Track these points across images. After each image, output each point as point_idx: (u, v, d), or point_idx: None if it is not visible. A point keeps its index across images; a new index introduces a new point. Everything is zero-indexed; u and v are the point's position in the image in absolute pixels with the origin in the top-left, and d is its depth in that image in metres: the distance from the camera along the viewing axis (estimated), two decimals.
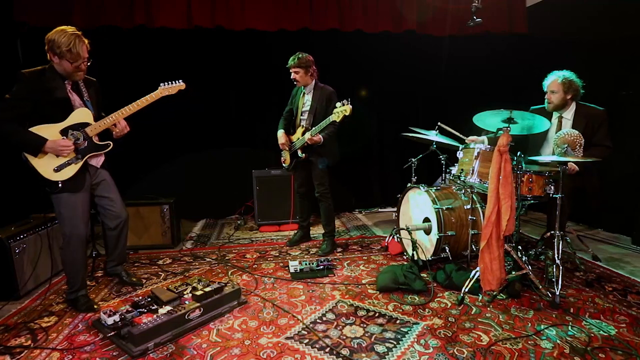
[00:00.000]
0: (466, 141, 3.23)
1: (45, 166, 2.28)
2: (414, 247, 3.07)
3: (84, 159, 2.40)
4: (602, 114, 2.96)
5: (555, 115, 3.09)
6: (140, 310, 2.25)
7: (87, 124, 2.40)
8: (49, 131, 2.28)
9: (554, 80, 3.00)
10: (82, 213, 2.42)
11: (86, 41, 2.32)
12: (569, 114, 3.04)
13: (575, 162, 2.79)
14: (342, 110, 3.04)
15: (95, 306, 2.53)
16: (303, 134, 3.39)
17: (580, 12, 4.22)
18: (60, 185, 2.31)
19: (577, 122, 2.97)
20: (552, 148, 3.06)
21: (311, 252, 3.58)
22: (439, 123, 3.38)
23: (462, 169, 2.83)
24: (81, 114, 2.39)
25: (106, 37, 4.14)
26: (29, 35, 4.10)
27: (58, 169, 2.30)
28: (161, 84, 2.62)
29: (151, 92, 2.56)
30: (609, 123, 2.97)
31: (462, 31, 4.78)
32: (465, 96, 4.84)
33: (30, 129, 2.25)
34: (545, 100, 3.07)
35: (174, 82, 2.65)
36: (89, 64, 2.37)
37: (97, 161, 2.55)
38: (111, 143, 2.51)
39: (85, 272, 2.60)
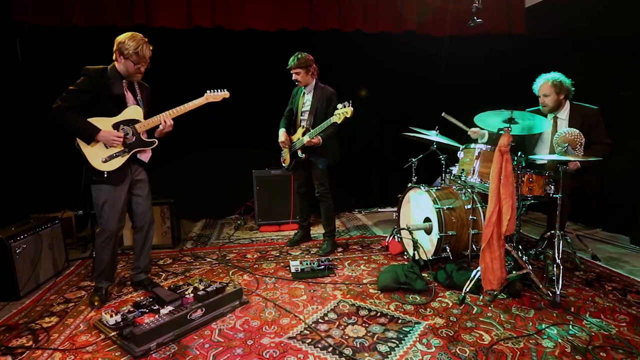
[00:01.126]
0: (469, 132, 3.24)
1: (95, 156, 2.43)
2: (415, 247, 3.08)
3: (131, 153, 2.53)
4: (596, 113, 2.98)
5: (550, 115, 3.11)
6: (142, 310, 2.25)
7: (137, 121, 2.55)
8: (103, 123, 2.45)
9: (544, 83, 3.02)
10: (117, 208, 2.53)
11: (151, 47, 2.51)
12: (563, 114, 3.06)
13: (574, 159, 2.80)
14: (343, 112, 3.05)
15: (96, 303, 2.55)
16: (303, 134, 3.39)
17: (578, 12, 4.23)
18: (105, 175, 2.44)
19: (573, 122, 2.99)
20: (547, 148, 3.08)
21: (312, 252, 3.59)
22: (443, 113, 3.38)
23: (462, 169, 2.84)
24: (133, 111, 2.55)
25: (106, 37, 4.12)
26: (28, 35, 4.09)
27: (107, 160, 2.45)
28: (207, 91, 2.78)
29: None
30: (606, 121, 2.99)
31: (461, 31, 4.79)
32: (465, 96, 4.84)
33: (87, 119, 2.42)
34: (540, 105, 3.10)
35: (219, 90, 2.81)
36: (148, 67, 2.55)
37: (146, 156, 2.68)
38: (156, 140, 2.65)
39: (112, 268, 2.67)
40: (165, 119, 2.61)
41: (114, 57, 2.50)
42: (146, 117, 2.61)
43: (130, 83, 2.59)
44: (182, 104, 2.69)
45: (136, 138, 2.55)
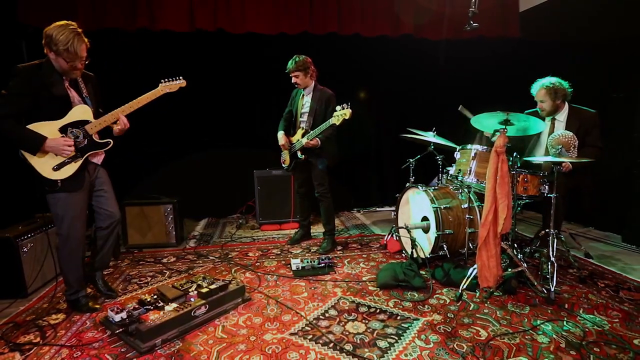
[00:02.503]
0: (484, 133, 3.15)
1: (43, 165, 2.19)
2: (413, 245, 3.09)
3: (84, 158, 2.30)
4: (594, 117, 2.99)
5: (548, 118, 3.12)
6: (147, 307, 2.25)
7: (87, 122, 2.29)
8: (47, 129, 2.17)
9: (539, 90, 3.03)
10: (80, 213, 2.33)
11: (86, 40, 2.19)
12: (561, 116, 3.07)
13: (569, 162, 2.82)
14: (342, 113, 3.05)
15: (97, 305, 2.47)
16: (303, 135, 3.40)
17: (571, 16, 4.25)
18: (59, 184, 2.21)
19: (571, 124, 3.00)
20: (544, 150, 3.09)
21: (312, 250, 3.59)
22: (460, 107, 3.35)
23: (459, 169, 2.86)
24: (80, 111, 2.28)
25: (109, 39, 4.13)
26: (33, 37, 4.07)
27: (57, 168, 2.21)
28: (162, 81, 2.52)
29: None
30: (600, 123, 3.00)
31: (457, 35, 4.79)
32: (462, 98, 4.81)
33: (28, 126, 2.14)
34: (538, 109, 3.11)
35: (174, 79, 2.55)
36: (86, 62, 2.25)
37: (98, 159, 2.45)
38: (111, 141, 2.40)
39: (83, 273, 2.48)
40: (118, 117, 2.35)
41: (44, 51, 2.16)
42: (95, 112, 2.36)
43: (73, 79, 2.29)
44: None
45: (88, 140, 2.29)
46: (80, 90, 2.33)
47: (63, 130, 2.23)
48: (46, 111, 2.18)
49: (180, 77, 2.59)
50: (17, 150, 2.19)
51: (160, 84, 2.52)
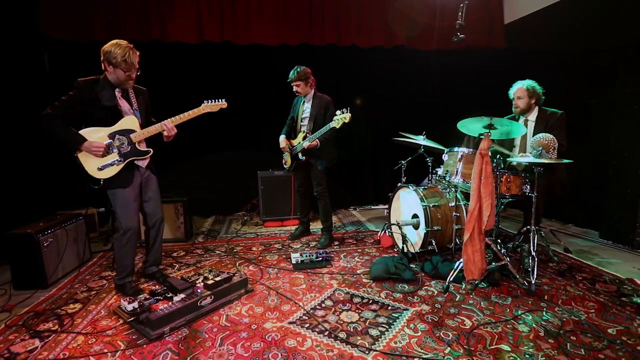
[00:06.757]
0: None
1: (91, 164, 2.34)
2: (404, 241, 3.08)
3: (126, 162, 2.42)
4: (559, 116, 3.01)
5: (522, 118, 3.14)
6: (157, 297, 2.26)
7: (132, 131, 2.43)
8: (99, 133, 2.35)
9: (519, 87, 3.10)
10: (134, 208, 2.46)
11: (137, 53, 2.37)
12: (533, 117, 3.11)
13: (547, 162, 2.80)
14: (342, 117, 3.04)
15: (141, 291, 2.50)
16: (303, 138, 3.39)
17: (552, 28, 4.23)
18: (102, 182, 2.36)
19: (539, 124, 3.05)
20: (518, 150, 3.10)
21: (311, 245, 3.59)
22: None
23: (447, 170, 2.85)
24: (129, 121, 2.43)
25: None
26: (54, 48, 4.09)
27: (101, 168, 2.36)
28: (204, 102, 2.60)
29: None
30: (577, 125, 2.99)
31: (446, 46, 4.78)
32: (451, 104, 4.85)
33: (81, 131, 2.32)
34: (513, 107, 3.15)
35: (216, 100, 2.63)
36: (138, 73, 2.41)
37: (143, 162, 2.56)
38: (151, 150, 2.54)
39: (134, 261, 2.59)
40: (165, 127, 2.48)
41: (102, 67, 2.33)
42: (144, 122, 2.50)
43: (124, 91, 2.44)
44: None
45: (131, 147, 2.43)
46: (130, 102, 2.47)
47: (112, 136, 2.38)
48: (99, 119, 2.35)
49: (223, 99, 2.63)
50: (68, 150, 2.33)
51: (202, 104, 2.59)
